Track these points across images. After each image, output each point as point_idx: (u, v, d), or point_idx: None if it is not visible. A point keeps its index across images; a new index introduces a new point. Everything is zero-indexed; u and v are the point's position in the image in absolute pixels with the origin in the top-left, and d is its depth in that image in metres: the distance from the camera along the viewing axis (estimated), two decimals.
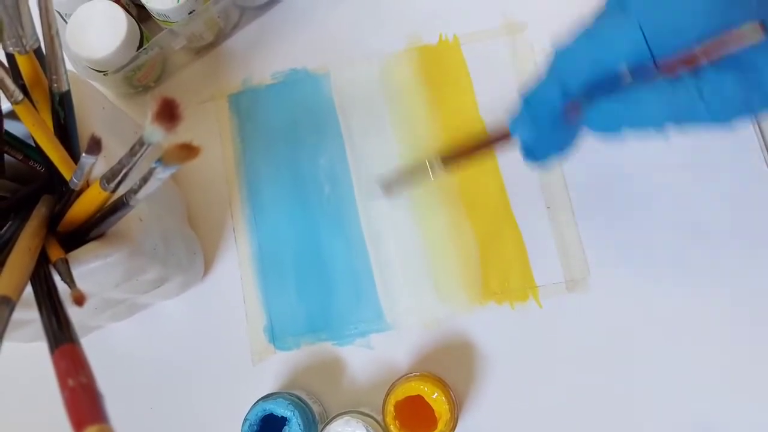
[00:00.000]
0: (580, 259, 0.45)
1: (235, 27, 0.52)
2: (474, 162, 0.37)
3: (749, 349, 0.43)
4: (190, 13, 0.46)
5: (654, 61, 0.29)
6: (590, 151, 0.46)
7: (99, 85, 0.49)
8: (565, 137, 0.33)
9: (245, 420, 0.40)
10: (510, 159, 0.47)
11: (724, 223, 0.44)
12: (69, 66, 0.46)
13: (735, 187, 0.45)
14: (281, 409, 0.40)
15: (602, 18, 0.30)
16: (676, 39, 0.28)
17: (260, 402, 0.41)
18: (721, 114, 0.28)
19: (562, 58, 0.31)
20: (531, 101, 0.32)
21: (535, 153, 0.33)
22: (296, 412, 0.40)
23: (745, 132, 0.45)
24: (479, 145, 0.36)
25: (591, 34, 0.30)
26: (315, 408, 0.42)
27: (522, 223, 0.46)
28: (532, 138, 0.33)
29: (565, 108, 0.31)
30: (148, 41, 0.47)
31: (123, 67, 0.46)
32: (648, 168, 0.45)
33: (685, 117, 0.28)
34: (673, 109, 0.28)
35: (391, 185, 0.42)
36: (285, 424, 0.40)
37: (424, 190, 0.47)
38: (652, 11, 0.28)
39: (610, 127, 0.30)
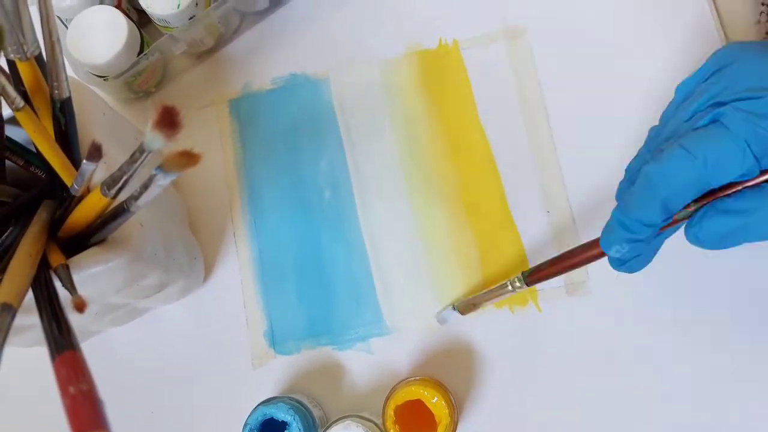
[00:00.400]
0: None
1: (236, 32, 0.52)
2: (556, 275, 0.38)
3: (750, 351, 0.43)
4: (191, 18, 0.46)
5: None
6: (590, 156, 0.46)
7: (100, 91, 0.49)
8: (657, 246, 0.33)
9: (246, 424, 0.41)
10: (509, 164, 0.47)
11: None
12: (70, 72, 0.46)
13: None
14: (282, 414, 0.40)
15: (702, 136, 0.30)
16: None
17: (261, 406, 0.41)
18: None
19: (664, 180, 0.30)
20: (630, 224, 0.31)
21: (629, 267, 0.33)
22: (296, 417, 0.40)
23: None
24: (569, 265, 0.36)
25: (695, 154, 0.29)
26: (315, 412, 0.42)
27: (521, 227, 0.46)
28: (629, 257, 0.33)
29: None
30: (148, 47, 0.48)
31: (124, 73, 0.46)
32: None
33: None
34: None
35: (468, 307, 0.43)
36: (285, 429, 0.40)
37: (424, 196, 0.47)
38: (755, 127, 0.28)
39: (724, 241, 0.30)
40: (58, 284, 0.30)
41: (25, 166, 0.36)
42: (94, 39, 0.45)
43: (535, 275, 0.38)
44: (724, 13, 0.47)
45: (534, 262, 0.45)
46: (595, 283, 0.45)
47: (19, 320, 0.28)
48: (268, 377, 0.46)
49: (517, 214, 0.46)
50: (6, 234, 0.34)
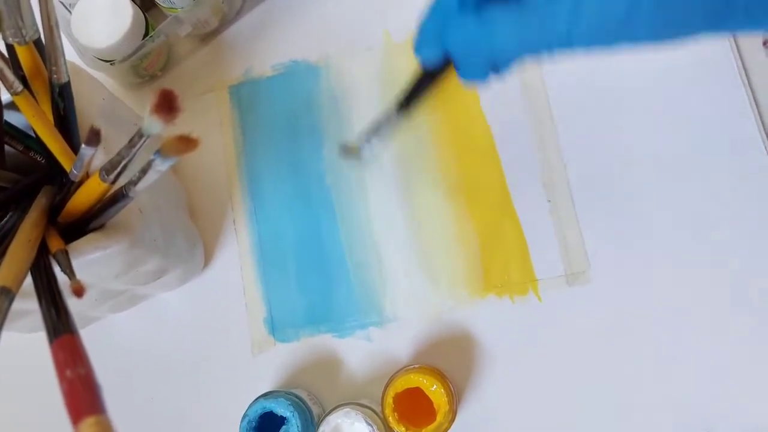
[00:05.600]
0: (580, 253, 0.45)
1: (239, 12, 0.52)
2: (429, 101, 0.33)
3: (750, 343, 0.43)
4: None
5: None
6: (592, 144, 0.46)
7: (106, 76, 0.49)
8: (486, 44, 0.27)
9: (245, 416, 0.41)
10: (512, 153, 0.47)
11: (725, 216, 0.44)
12: (75, 57, 0.46)
13: (736, 179, 0.45)
14: (281, 409, 0.40)
15: None
16: None
17: (261, 399, 0.41)
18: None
19: None
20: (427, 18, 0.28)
21: (464, 70, 0.29)
22: (296, 413, 0.40)
23: (747, 123, 0.45)
24: (419, 84, 0.32)
25: None
26: (315, 410, 0.42)
27: (522, 216, 0.46)
28: (440, 54, 0.28)
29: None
30: (153, 30, 0.47)
31: (130, 56, 0.46)
32: (649, 161, 0.45)
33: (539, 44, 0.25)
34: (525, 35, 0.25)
35: (352, 148, 0.36)
36: (284, 424, 0.40)
37: (425, 183, 0.47)
38: None
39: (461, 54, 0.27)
40: (57, 269, 0.30)
41: (24, 151, 0.36)
42: (99, 23, 0.45)
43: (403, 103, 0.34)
44: None
45: (535, 251, 0.45)
46: (596, 273, 0.45)
47: (19, 305, 0.28)
48: (267, 365, 0.46)
49: (518, 203, 0.46)
50: (5, 219, 0.34)
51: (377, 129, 0.35)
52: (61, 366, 0.22)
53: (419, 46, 0.29)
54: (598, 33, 0.24)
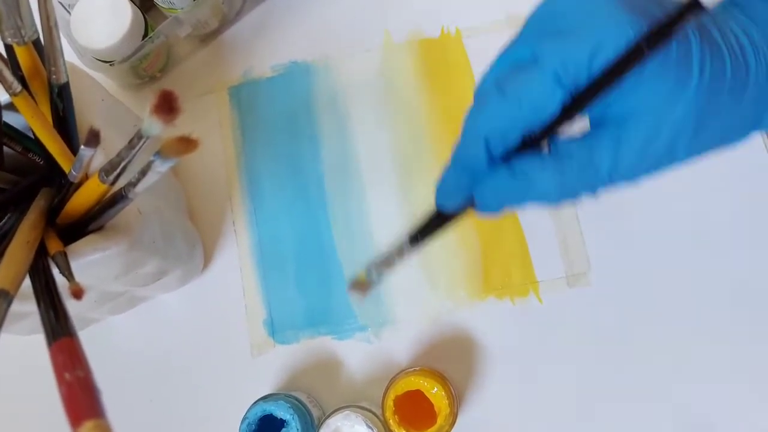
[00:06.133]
0: (580, 255, 0.45)
1: (239, 13, 0.52)
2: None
3: (750, 345, 0.43)
4: None
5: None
6: None
7: (105, 77, 0.49)
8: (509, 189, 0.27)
9: (244, 418, 0.40)
10: None
11: (725, 218, 0.44)
12: (74, 57, 0.46)
13: (737, 182, 0.45)
14: (281, 412, 0.40)
15: (516, 74, 0.26)
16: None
17: (260, 402, 0.41)
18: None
19: (483, 120, 0.26)
20: (456, 167, 0.28)
21: (486, 211, 0.28)
22: (296, 416, 0.40)
23: None
24: (434, 223, 0.31)
25: (506, 93, 0.25)
26: (315, 412, 0.42)
27: (523, 218, 0.46)
28: (459, 200, 0.28)
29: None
30: (152, 31, 0.47)
31: (129, 57, 0.46)
32: None
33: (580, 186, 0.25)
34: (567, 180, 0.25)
35: (362, 283, 0.35)
36: (283, 427, 0.40)
37: (425, 185, 0.47)
38: (562, 52, 0.24)
39: (493, 206, 0.27)
40: (55, 271, 0.30)
41: (23, 153, 0.36)
42: (98, 24, 0.45)
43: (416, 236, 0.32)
44: None
45: (535, 254, 0.45)
46: (596, 274, 0.44)
47: (18, 307, 0.28)
48: (267, 367, 0.46)
49: None
50: (4, 220, 0.34)
51: (387, 261, 0.34)
52: (59, 369, 0.21)
53: (442, 198, 0.29)
54: (639, 168, 0.25)
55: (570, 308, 0.44)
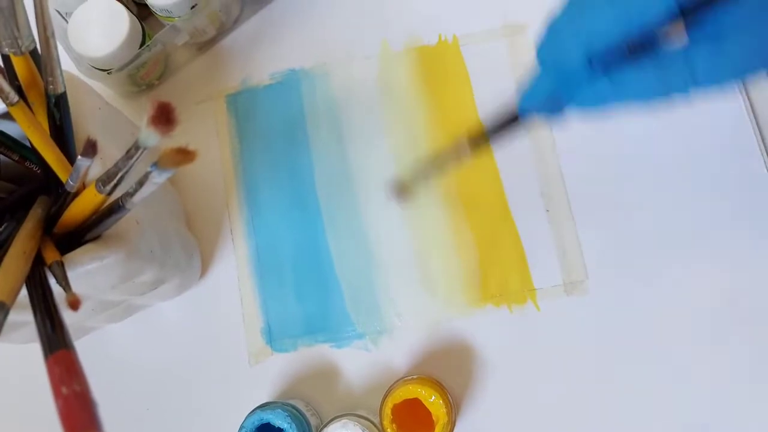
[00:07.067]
0: (578, 263, 0.45)
1: (237, 21, 0.52)
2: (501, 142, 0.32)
3: (748, 351, 0.43)
4: (192, 7, 0.46)
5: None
6: (589, 154, 0.46)
7: (102, 85, 0.49)
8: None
9: (242, 427, 0.40)
10: (509, 162, 0.47)
11: (723, 226, 0.44)
12: (71, 65, 0.46)
13: (734, 189, 0.45)
14: (279, 420, 0.40)
15: None
16: None
17: (258, 411, 0.41)
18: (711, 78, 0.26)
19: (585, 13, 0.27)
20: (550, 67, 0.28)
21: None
22: (293, 425, 0.39)
23: (745, 133, 0.45)
24: (505, 126, 0.31)
25: None
26: (313, 421, 0.42)
27: (521, 225, 0.46)
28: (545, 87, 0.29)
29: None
30: (149, 39, 0.47)
31: (126, 65, 0.46)
32: (647, 171, 0.45)
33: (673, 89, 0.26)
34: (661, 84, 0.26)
35: (406, 187, 0.34)
36: None
37: (422, 192, 0.47)
38: None
39: (592, 104, 0.28)
40: (52, 281, 0.30)
41: (19, 161, 0.36)
42: (95, 32, 0.45)
43: (477, 139, 0.32)
44: None
45: (533, 260, 0.45)
46: (594, 282, 0.44)
47: (14, 317, 0.28)
48: (264, 375, 0.46)
49: (516, 212, 0.46)
50: (0, 229, 0.34)
51: (438, 164, 0.32)
52: (56, 383, 0.21)
53: (528, 101, 0.29)
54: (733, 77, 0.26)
55: (567, 316, 0.44)
